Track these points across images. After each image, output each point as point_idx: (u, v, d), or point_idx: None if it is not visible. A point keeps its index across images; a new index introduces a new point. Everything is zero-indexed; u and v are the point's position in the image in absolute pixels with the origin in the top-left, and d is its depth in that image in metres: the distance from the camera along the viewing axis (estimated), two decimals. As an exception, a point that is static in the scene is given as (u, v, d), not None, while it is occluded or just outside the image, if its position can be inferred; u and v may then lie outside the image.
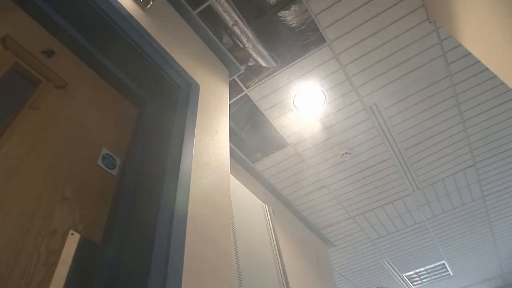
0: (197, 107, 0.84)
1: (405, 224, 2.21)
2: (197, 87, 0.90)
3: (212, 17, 1.08)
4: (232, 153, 1.68)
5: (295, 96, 1.50)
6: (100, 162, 0.61)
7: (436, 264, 2.51)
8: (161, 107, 0.80)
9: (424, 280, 2.60)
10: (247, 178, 1.80)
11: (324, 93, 1.49)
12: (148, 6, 0.82)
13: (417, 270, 2.53)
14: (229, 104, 1.46)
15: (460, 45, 1.29)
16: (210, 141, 0.83)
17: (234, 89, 1.42)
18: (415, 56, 1.34)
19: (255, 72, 1.38)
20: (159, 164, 0.63)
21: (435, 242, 2.39)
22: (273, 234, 1.08)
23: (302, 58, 1.34)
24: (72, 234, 0.45)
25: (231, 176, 1.05)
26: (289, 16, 1.14)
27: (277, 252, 1.01)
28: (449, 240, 2.44)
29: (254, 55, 1.27)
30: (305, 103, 1.55)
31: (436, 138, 1.70)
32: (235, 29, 1.13)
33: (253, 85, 1.42)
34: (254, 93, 1.45)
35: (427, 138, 1.69)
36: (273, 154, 1.75)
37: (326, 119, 1.60)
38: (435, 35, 1.29)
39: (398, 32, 1.30)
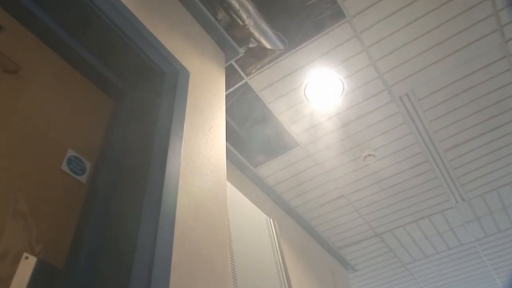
0: (186, 98, 0.83)
1: (447, 246, 2.05)
2: (186, 74, 0.90)
3: (204, -13, 1.10)
4: (229, 155, 1.69)
5: (306, 85, 1.50)
6: (64, 166, 0.59)
7: (490, 298, 2.36)
8: (142, 100, 0.79)
9: (473, 319, 2.45)
10: (248, 186, 1.82)
11: (342, 82, 1.48)
12: (125, -26, 0.82)
13: (464, 306, 2.39)
14: (226, 95, 1.46)
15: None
16: (203, 141, 0.84)
17: (232, 76, 1.42)
18: (459, 32, 1.23)
19: (257, 56, 1.38)
20: (140, 169, 0.63)
21: (489, 269, 2.19)
22: (279, 255, 1.07)
23: (315, 38, 1.32)
24: (27, 257, 0.42)
25: (228, 183, 1.07)
26: (300, -15, 1.21)
27: (284, 277, 1.00)
28: (508, 267, 2.23)
29: (256, 34, 1.24)
30: (319, 93, 1.54)
31: (487, 137, 1.57)
32: (233, 1, 1.11)
33: (255, 71, 1.41)
34: (256, 81, 1.44)
35: (475, 137, 1.58)
36: (279, 156, 1.74)
37: (345, 113, 1.59)
38: (488, 3, 1.17)
39: (436, 4, 1.24)
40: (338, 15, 1.29)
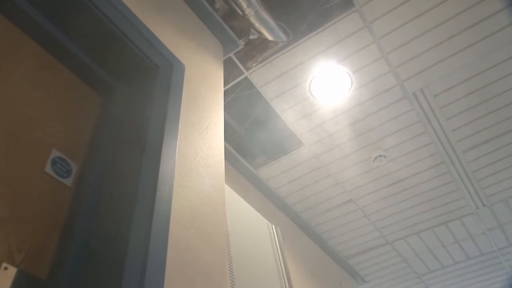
0: (181, 94, 0.84)
1: (466, 255, 2.02)
2: (181, 68, 0.90)
3: (200, -26, 1.10)
4: (228, 156, 1.69)
5: (311, 80, 1.49)
6: (48, 168, 0.58)
7: (516, 315, 2.24)
8: (134, 95, 0.79)
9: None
10: (248, 189, 1.81)
11: (350, 76, 1.47)
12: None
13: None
14: (224, 91, 1.45)
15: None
16: (199, 140, 0.84)
17: (230, 71, 1.41)
18: (479, 22, 1.23)
19: (258, 48, 1.37)
20: (130, 171, 0.63)
21: (513, 281, 2.24)
22: (281, 264, 1.07)
23: (321, 28, 1.31)
24: (6, 268, 0.40)
25: (227, 186, 1.06)
26: (304, -30, 1.20)
27: (287, 288, 1.00)
28: (536, 281, 2.24)
29: (257, 25, 1.24)
30: (326, 89, 1.53)
31: (509, 137, 1.55)
32: (232, -11, 1.13)
33: (256, 65, 1.41)
34: (258, 76, 1.44)
35: (496, 136, 1.56)
36: (282, 157, 1.73)
37: (354, 110, 1.58)
38: (503, -5, 1.27)
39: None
40: (346, 3, 1.28)
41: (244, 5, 1.14)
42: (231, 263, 0.85)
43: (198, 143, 0.82)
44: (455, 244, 2.12)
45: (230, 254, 0.87)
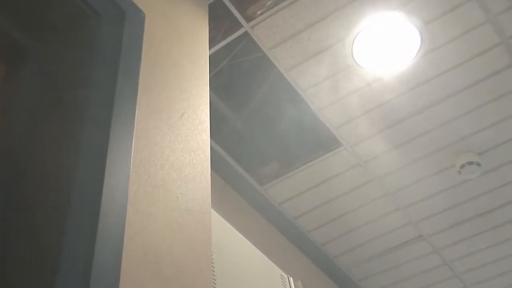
0: (139, 63, 0.86)
1: None
2: (139, 18, 0.91)
3: None
4: (216, 164, 1.75)
5: (355, 38, 1.49)
6: None
7: None
8: (60, 63, 0.81)
9: None
10: (249, 218, 1.82)
11: (419, 32, 1.48)
12: None
13: None
14: (212, 57, 1.45)
15: None
16: (170, 137, 0.86)
17: (221, 22, 1.43)
18: None
19: (266, -15, 1.47)
20: (57, 184, 0.65)
21: None
22: None
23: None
24: None
25: (214, 213, 1.10)
26: None
27: None
28: None
29: None
30: (377, 53, 1.54)
31: None
32: None
33: (262, 13, 1.42)
34: (265, 30, 1.45)
35: None
36: (306, 165, 1.74)
37: (424, 88, 1.58)
38: None
39: None
40: None
41: None
42: None
43: (168, 142, 0.84)
44: None
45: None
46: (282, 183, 1.85)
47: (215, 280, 0.98)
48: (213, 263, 1.00)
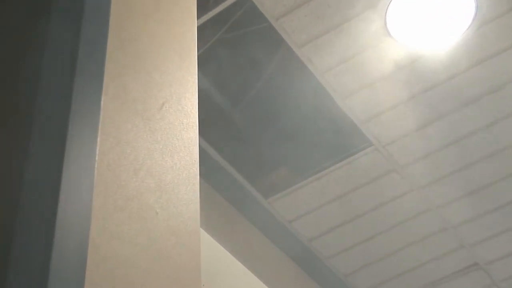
0: (106, 36, 0.86)
1: None
2: None
3: None
4: (208, 169, 1.75)
5: (389, 4, 1.52)
6: None
7: None
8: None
9: None
10: (251, 239, 1.83)
11: None
12: None
13: None
14: (199, 28, 1.39)
15: None
16: (145, 134, 0.86)
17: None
18: None
19: None
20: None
21: None
22: None
23: None
24: None
25: (204, 233, 1.07)
26: None
27: None
28: None
29: None
30: (419, 24, 1.58)
31: None
32: None
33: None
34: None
35: None
36: (323, 172, 1.81)
37: (480, 69, 1.62)
38: None
39: None
40: None
41: None
42: None
43: (144, 141, 0.84)
44: None
45: None
46: (293, 194, 1.86)
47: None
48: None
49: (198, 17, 1.33)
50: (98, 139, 0.74)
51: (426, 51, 1.64)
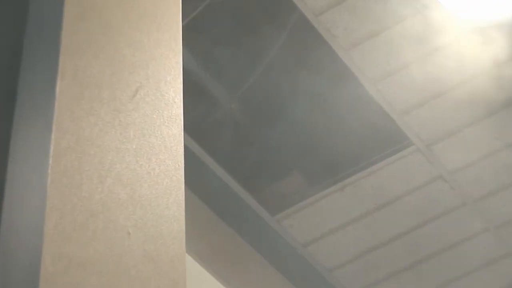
0: (61, 6, 0.88)
1: None
2: None
3: None
4: (198, 178, 1.80)
5: None
6: None
7: None
8: None
9: None
10: (254, 268, 1.85)
11: None
12: None
13: None
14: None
15: None
16: (113, 130, 0.87)
17: None
18: None
19: None
20: None
21: None
22: None
23: None
24: None
25: (192, 261, 1.08)
26: None
27: None
28: None
29: None
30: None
31: None
32: None
33: None
34: None
35: None
36: (348, 179, 1.86)
37: None
38: None
39: None
40: None
41: None
42: None
43: (112, 139, 0.85)
44: None
45: None
46: (308, 210, 1.88)
47: None
48: None
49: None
50: (53, 136, 0.75)
51: (481, 23, 1.67)
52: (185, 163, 0.97)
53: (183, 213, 0.90)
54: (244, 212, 1.87)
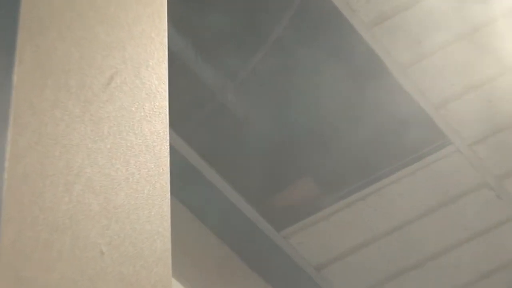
0: None
1: None
2: None
3: None
4: (187, 184, 1.81)
5: None
6: None
7: None
8: None
9: None
10: None
11: None
12: None
13: None
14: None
15: None
16: (83, 126, 0.88)
17: None
18: None
19: None
20: None
21: None
22: None
23: None
24: None
25: (178, 286, 1.09)
26: None
27: None
28: None
29: None
30: None
31: None
32: None
33: None
34: None
35: None
36: (373, 186, 1.93)
37: None
38: None
39: None
40: None
41: None
42: None
43: (81, 138, 0.87)
44: None
45: None
46: (322, 225, 1.90)
47: None
48: None
49: None
50: (9, 134, 0.75)
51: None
52: (171, 167, 0.97)
53: (168, 228, 0.91)
54: (243, 227, 1.88)
